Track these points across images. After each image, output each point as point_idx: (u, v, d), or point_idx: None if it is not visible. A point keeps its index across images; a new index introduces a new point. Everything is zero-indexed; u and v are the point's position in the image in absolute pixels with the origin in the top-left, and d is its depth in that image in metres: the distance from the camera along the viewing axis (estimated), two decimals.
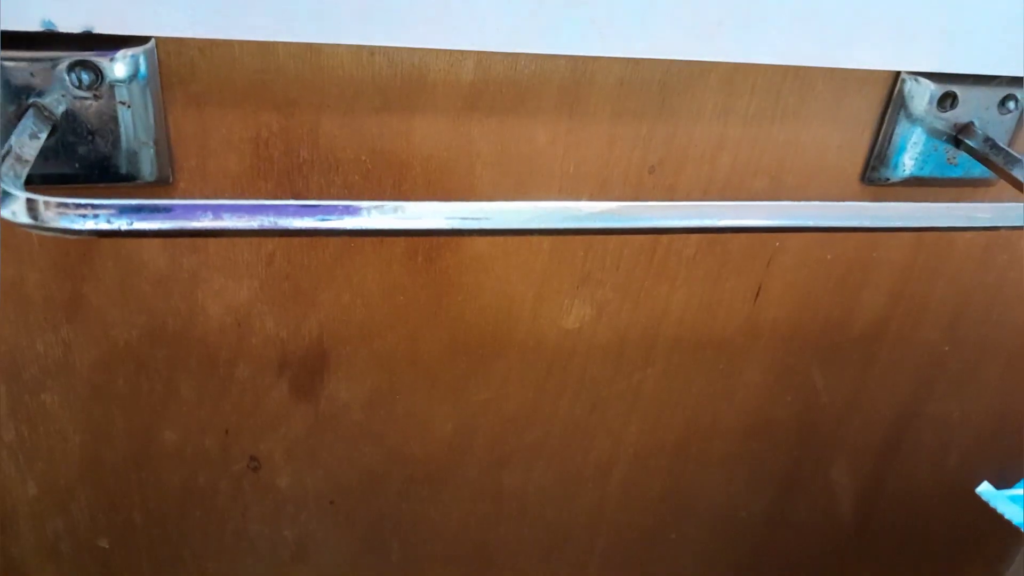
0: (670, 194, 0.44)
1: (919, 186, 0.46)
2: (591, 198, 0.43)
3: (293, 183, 0.40)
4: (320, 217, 0.33)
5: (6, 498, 0.46)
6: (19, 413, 0.44)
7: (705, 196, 0.44)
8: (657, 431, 0.54)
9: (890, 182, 0.46)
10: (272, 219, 0.32)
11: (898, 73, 0.43)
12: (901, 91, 0.43)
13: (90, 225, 0.31)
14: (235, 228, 0.32)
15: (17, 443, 0.44)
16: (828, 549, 0.65)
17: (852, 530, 0.64)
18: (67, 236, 0.32)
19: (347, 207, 0.33)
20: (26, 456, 0.45)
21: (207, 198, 0.40)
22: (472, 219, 0.35)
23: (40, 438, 0.45)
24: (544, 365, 0.50)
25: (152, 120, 0.37)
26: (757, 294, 0.49)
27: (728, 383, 0.53)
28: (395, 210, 0.33)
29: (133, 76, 0.36)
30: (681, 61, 0.41)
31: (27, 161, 0.33)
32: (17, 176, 0.31)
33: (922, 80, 0.43)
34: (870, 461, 0.60)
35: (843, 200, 0.46)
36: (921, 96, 0.43)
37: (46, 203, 0.31)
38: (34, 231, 0.32)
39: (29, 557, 0.49)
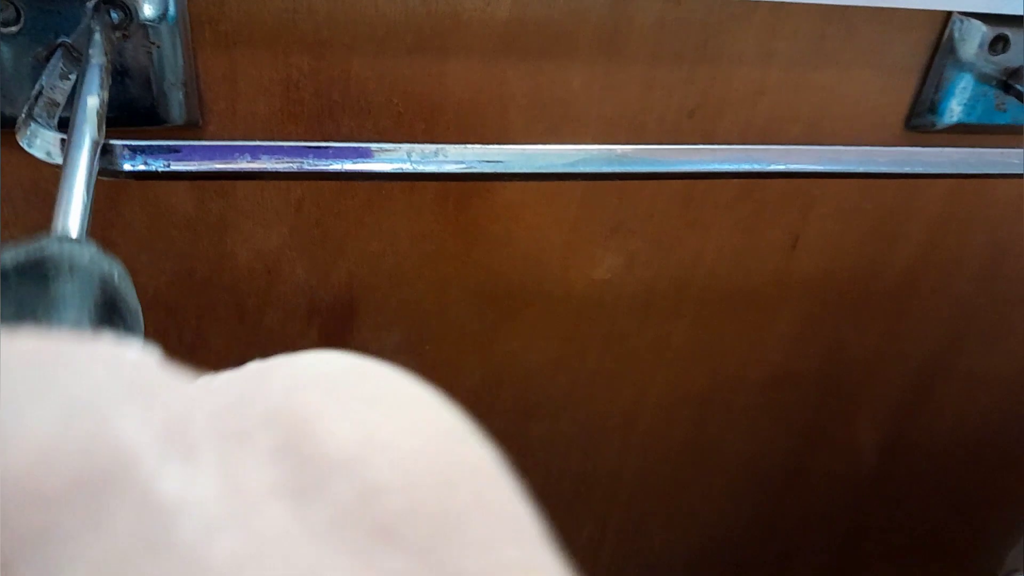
0: (708, 139, 0.43)
1: (965, 133, 0.45)
2: (627, 143, 0.42)
3: (323, 126, 0.39)
4: (358, 160, 0.32)
5: None
6: None
7: (744, 141, 0.43)
8: (683, 382, 0.54)
9: (936, 128, 0.44)
10: (311, 161, 0.31)
11: (949, 14, 0.42)
12: (951, 34, 0.42)
13: (127, 166, 0.30)
14: (273, 170, 0.31)
15: None
16: (848, 500, 0.65)
17: (873, 482, 0.64)
18: (102, 178, 0.31)
19: (385, 149, 0.32)
20: None
21: (239, 141, 0.39)
22: (504, 162, 0.34)
23: None
24: (572, 315, 0.49)
25: (181, 61, 0.36)
26: (793, 244, 0.49)
27: (757, 334, 0.52)
28: (436, 153, 0.32)
29: (162, 16, 0.35)
30: (724, 0, 0.39)
31: (59, 103, 0.32)
32: (51, 116, 0.31)
33: (973, 22, 0.41)
34: (895, 414, 0.60)
35: (885, 147, 0.45)
36: (972, 39, 0.42)
37: None
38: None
39: None
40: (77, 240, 0.20)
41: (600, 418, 0.55)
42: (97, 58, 0.30)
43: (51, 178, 0.39)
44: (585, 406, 0.54)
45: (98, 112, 0.28)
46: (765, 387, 0.56)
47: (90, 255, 0.19)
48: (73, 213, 0.23)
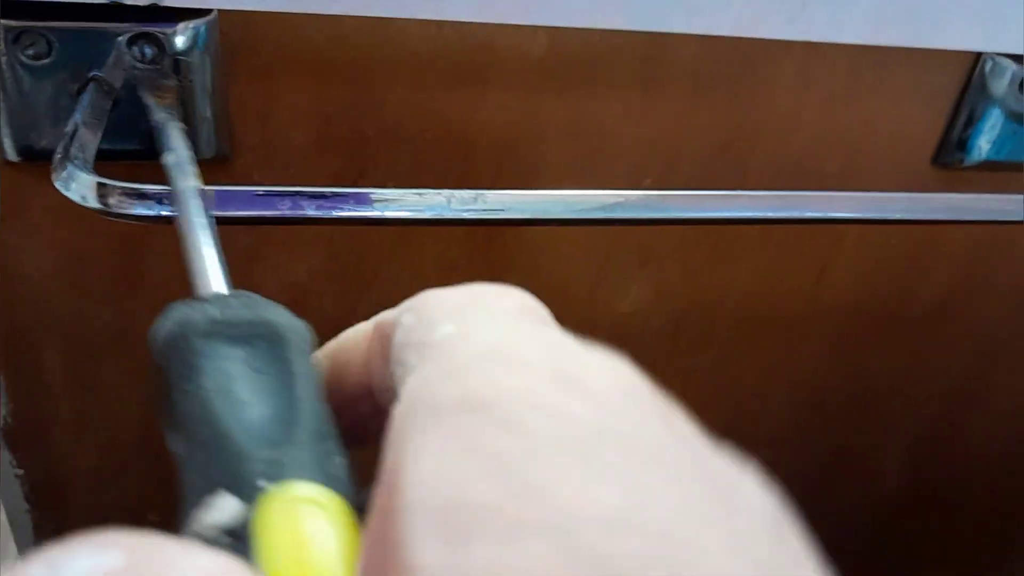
0: (741, 174, 0.42)
1: (993, 171, 0.45)
2: (660, 177, 0.42)
3: (358, 161, 0.39)
4: (398, 207, 0.32)
5: (63, 468, 0.46)
6: (79, 383, 0.43)
7: (777, 177, 0.43)
8: (709, 413, 0.53)
9: (964, 165, 0.44)
10: (351, 207, 0.31)
11: (979, 54, 0.42)
12: (982, 72, 0.42)
13: (165, 212, 0.30)
14: (313, 216, 0.31)
15: (76, 413, 0.44)
16: (871, 530, 0.66)
17: (896, 512, 0.64)
18: (138, 223, 0.31)
19: (424, 194, 0.32)
20: (84, 427, 0.45)
21: (270, 175, 0.39)
22: (542, 207, 0.34)
23: (99, 409, 0.44)
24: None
25: (212, 94, 0.36)
26: (821, 275, 0.48)
27: (784, 365, 0.52)
28: (475, 199, 0.32)
29: (193, 48, 0.34)
30: (759, 38, 0.39)
31: (94, 140, 0.32)
32: (87, 160, 0.30)
33: (1004, 61, 0.41)
34: (920, 444, 0.60)
35: (914, 183, 0.45)
36: (1002, 78, 0.42)
37: (115, 188, 0.30)
38: (103, 216, 0.31)
39: (79, 528, 0.49)
40: (276, 304, 0.19)
41: None
42: (160, 114, 0.30)
43: (79, 211, 0.38)
44: None
45: (186, 165, 0.28)
46: (791, 418, 0.56)
47: (298, 324, 0.18)
48: (214, 275, 0.23)
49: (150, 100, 0.31)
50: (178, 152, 0.29)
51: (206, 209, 0.27)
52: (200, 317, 0.17)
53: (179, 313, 0.17)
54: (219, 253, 0.24)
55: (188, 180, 0.28)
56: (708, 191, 0.35)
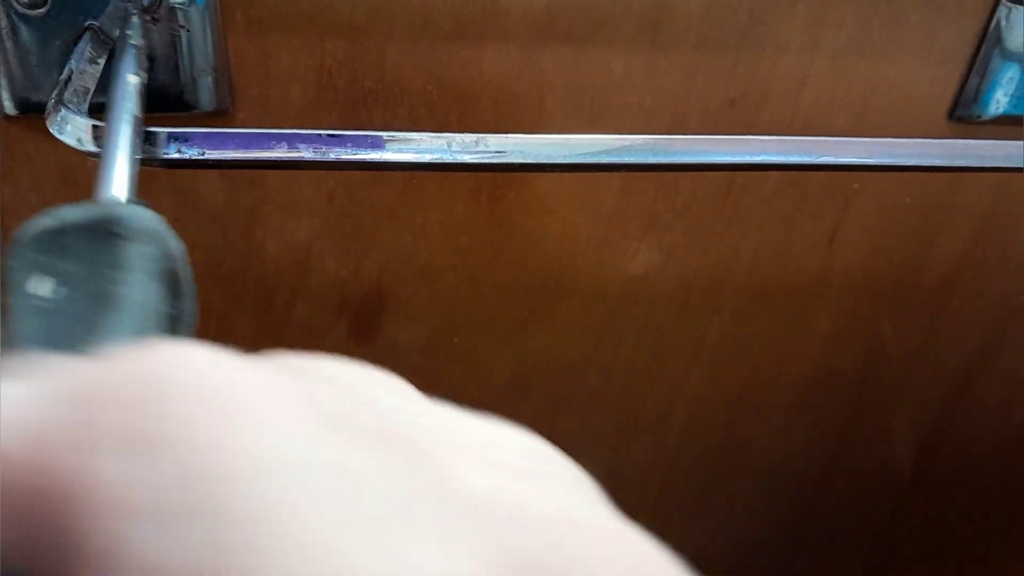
0: (750, 130, 0.41)
1: (1011, 125, 0.43)
2: (668, 132, 0.41)
3: (357, 115, 0.38)
4: (398, 149, 0.31)
5: None
6: None
7: (786, 132, 0.42)
8: (718, 380, 0.53)
9: (981, 120, 0.43)
10: (350, 150, 0.30)
11: (996, 2, 0.40)
12: (998, 22, 0.41)
13: (160, 154, 0.29)
14: (310, 159, 0.30)
15: None
16: (884, 500, 0.64)
17: (909, 482, 0.63)
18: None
19: (426, 138, 0.31)
20: None
21: (269, 128, 0.38)
22: (546, 152, 0.33)
23: None
24: (606, 311, 0.48)
25: (211, 47, 0.35)
26: (832, 239, 0.47)
27: (795, 332, 0.51)
28: (476, 143, 0.31)
29: None
30: None
31: (89, 88, 0.31)
32: (81, 102, 0.30)
33: (1021, 10, 0.40)
34: (934, 412, 0.59)
35: (929, 138, 0.43)
36: (1019, 28, 0.40)
37: None
38: (99, 159, 0.30)
39: None
40: (144, 206, 0.19)
41: (632, 415, 0.54)
42: (135, 39, 0.29)
43: (80, 165, 0.38)
44: (617, 403, 0.53)
45: (138, 89, 0.27)
46: (802, 385, 0.55)
47: (157, 223, 0.18)
48: (118, 186, 0.22)
49: (132, 40, 0.30)
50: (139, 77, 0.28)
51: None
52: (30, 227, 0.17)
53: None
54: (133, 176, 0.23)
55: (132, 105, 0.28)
56: (718, 135, 0.34)
